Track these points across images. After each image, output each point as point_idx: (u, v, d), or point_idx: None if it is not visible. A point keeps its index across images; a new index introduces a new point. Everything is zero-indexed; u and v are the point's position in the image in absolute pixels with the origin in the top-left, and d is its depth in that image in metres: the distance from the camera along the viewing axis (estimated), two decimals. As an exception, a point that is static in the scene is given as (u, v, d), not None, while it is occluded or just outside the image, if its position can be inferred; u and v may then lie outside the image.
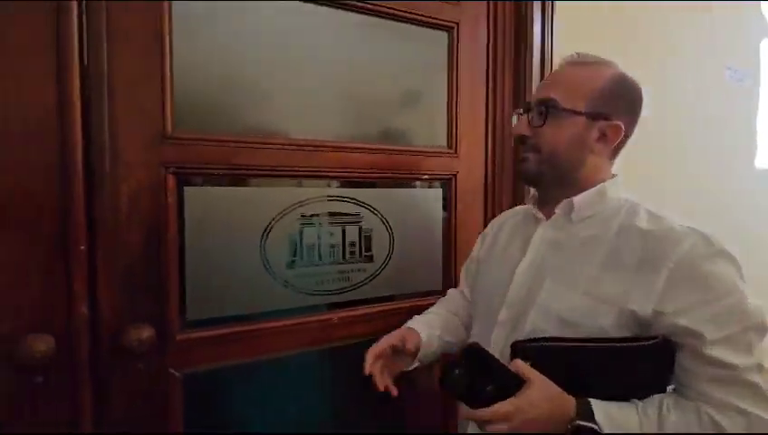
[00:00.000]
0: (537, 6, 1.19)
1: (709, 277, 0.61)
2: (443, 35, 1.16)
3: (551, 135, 0.71)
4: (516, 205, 1.10)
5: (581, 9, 1.28)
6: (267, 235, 0.95)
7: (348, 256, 1.06)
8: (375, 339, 0.85)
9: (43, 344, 0.72)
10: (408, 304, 1.12)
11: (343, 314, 1.04)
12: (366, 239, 1.07)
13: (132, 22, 0.80)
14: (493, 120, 1.23)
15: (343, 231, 1.05)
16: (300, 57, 0.99)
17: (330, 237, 1.03)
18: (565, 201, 0.73)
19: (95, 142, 0.78)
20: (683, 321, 0.60)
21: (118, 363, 0.81)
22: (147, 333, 0.79)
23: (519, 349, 0.66)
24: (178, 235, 0.86)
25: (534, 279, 0.73)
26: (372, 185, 1.09)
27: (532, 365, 0.63)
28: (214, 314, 0.91)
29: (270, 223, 0.96)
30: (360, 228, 1.07)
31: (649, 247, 0.64)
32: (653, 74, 1.44)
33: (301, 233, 0.99)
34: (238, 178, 0.93)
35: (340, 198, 1.04)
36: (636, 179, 0.84)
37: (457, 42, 1.17)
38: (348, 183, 1.06)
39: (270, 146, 0.94)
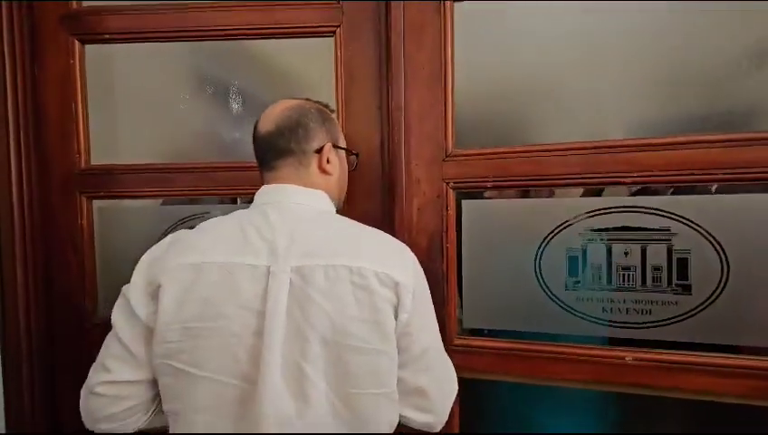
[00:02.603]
0: None
1: None
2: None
3: None
4: None
5: None
6: (543, 249, 0.88)
7: (650, 282, 0.83)
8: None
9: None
10: (755, 362, 0.78)
11: (640, 354, 0.83)
12: (680, 263, 0.81)
13: (421, 60, 0.92)
14: None
15: (643, 251, 0.83)
16: (592, 54, 0.87)
17: (623, 258, 0.85)
18: None
19: (395, 164, 0.94)
20: None
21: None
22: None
23: None
24: (457, 244, 0.93)
25: None
26: (691, 191, 0.82)
27: None
28: (488, 325, 0.93)
29: (546, 237, 0.88)
30: (670, 249, 0.82)
31: None
32: None
33: (584, 250, 0.86)
34: (517, 189, 0.91)
35: (640, 209, 0.83)
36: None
37: None
38: (651, 189, 0.84)
39: (548, 154, 0.86)
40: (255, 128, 0.78)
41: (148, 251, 0.70)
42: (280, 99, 0.79)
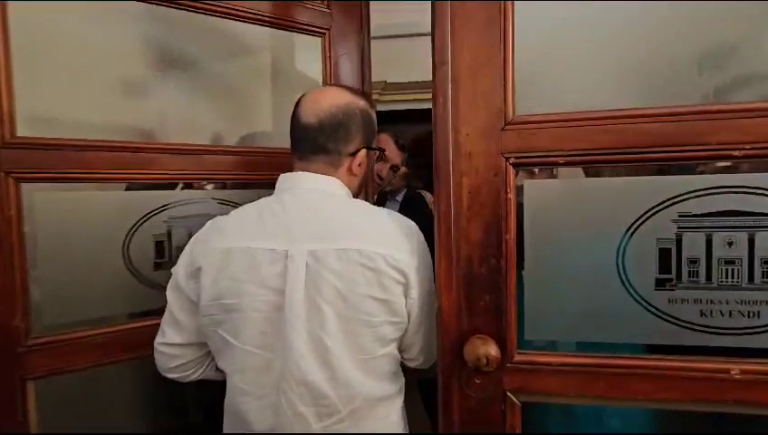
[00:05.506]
0: None
1: None
2: None
3: None
4: None
5: None
6: (627, 241, 0.71)
7: (759, 279, 0.68)
8: None
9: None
10: None
11: (748, 366, 0.68)
12: (796, 255, 0.67)
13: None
14: None
15: (751, 240, 0.68)
16: None
17: (725, 249, 0.69)
18: None
19: (440, 133, 0.74)
20: None
21: (456, 371, 0.76)
22: (493, 350, 0.69)
23: None
24: (518, 235, 0.74)
25: None
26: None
27: None
28: (556, 335, 0.75)
29: (632, 225, 0.71)
30: (786, 237, 0.67)
31: None
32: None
33: (678, 240, 0.70)
34: (596, 166, 0.73)
35: (749, 189, 0.68)
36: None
37: None
38: (763, 165, 0.68)
39: (642, 120, 0.68)
40: (296, 111, 0.80)
41: (194, 236, 0.79)
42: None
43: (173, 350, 0.80)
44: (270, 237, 0.71)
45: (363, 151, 0.80)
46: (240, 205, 1.08)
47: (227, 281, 0.71)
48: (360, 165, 0.80)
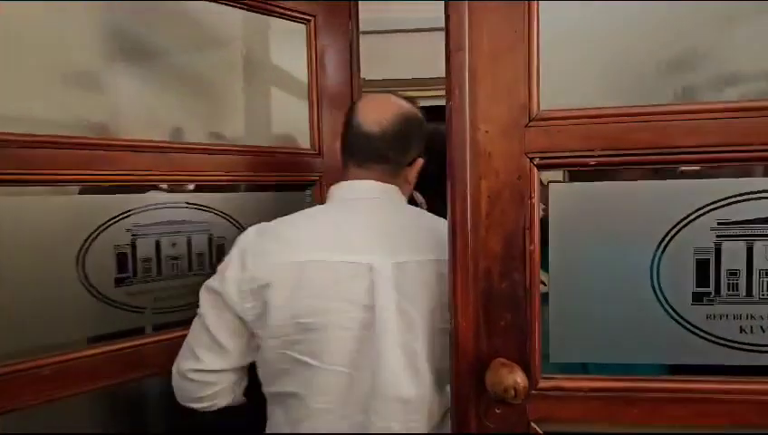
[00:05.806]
0: None
1: None
2: None
3: None
4: None
5: None
6: (662, 251, 0.64)
7: (803, 291, 0.63)
8: None
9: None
10: None
11: (795, 388, 0.63)
12: (841, 265, 0.62)
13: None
14: None
15: (794, 249, 0.63)
16: None
17: (767, 260, 0.63)
18: None
19: (455, 129, 0.64)
20: None
21: (473, 398, 0.67)
22: (520, 379, 0.60)
23: None
24: (542, 246, 0.66)
25: None
26: None
27: None
28: (584, 357, 0.67)
29: (668, 234, 0.64)
30: (832, 246, 0.62)
31: None
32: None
33: (717, 250, 0.64)
34: (629, 168, 0.65)
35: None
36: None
37: None
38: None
39: (679, 116, 0.61)
40: (354, 118, 0.77)
41: (238, 248, 0.70)
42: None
43: (210, 377, 0.71)
44: (348, 250, 0.68)
45: (419, 161, 0.81)
46: (222, 210, 0.97)
47: (307, 298, 0.66)
48: (415, 174, 0.81)
